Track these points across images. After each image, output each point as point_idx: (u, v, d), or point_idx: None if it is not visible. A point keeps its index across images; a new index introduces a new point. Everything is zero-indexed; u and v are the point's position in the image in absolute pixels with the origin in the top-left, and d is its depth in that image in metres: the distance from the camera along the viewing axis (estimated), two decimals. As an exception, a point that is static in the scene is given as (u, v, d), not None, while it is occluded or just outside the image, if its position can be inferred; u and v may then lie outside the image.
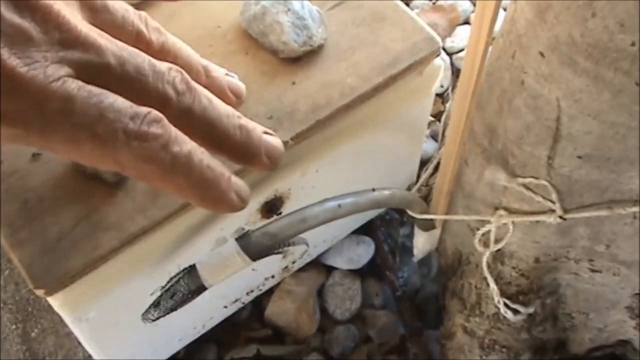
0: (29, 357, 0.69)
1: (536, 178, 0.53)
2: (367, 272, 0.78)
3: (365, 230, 0.79)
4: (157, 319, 0.52)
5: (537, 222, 0.56)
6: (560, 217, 0.53)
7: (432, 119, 0.87)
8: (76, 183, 0.52)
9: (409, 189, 0.75)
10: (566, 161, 0.49)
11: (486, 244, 0.61)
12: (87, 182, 0.52)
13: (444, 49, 0.94)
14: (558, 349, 0.69)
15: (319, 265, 0.78)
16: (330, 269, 0.78)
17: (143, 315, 0.52)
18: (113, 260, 0.50)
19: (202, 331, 0.70)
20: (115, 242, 0.50)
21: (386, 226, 0.80)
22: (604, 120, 0.44)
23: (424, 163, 0.80)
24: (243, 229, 0.53)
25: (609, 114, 0.44)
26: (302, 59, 0.59)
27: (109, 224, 0.51)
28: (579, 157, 0.48)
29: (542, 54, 0.45)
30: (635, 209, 0.50)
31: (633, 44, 0.39)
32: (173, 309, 0.52)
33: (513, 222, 0.57)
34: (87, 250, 0.49)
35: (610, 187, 0.50)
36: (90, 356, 0.68)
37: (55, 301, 0.49)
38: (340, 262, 0.77)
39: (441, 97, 0.89)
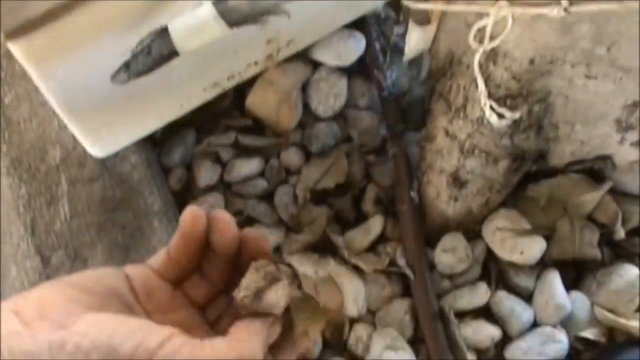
0: (2, 123, 0.67)
1: (544, -38, 0.48)
2: (355, 71, 0.75)
3: (357, 25, 0.74)
4: (128, 80, 0.50)
5: (539, 16, 0.52)
6: (565, 9, 0.49)
7: None
8: None
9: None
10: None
11: (481, 41, 0.58)
12: None
13: None
14: (537, 160, 0.68)
15: (305, 59, 0.74)
16: (316, 64, 0.75)
17: (113, 76, 0.50)
18: (79, 13, 0.47)
19: (181, 112, 0.68)
20: (81, -8, 0.46)
21: (380, 24, 0.76)
22: None
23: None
24: (222, -7, 0.49)
25: None
26: None
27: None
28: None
29: None
30: (646, 2, 0.46)
31: None
32: (143, 71, 0.50)
33: (513, 15, 0.54)
34: (51, -3, 0.46)
35: (622, -23, 0.46)
36: (65, 125, 0.67)
37: (17, 48, 0.47)
38: (327, 57, 0.74)
39: None
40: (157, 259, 0.44)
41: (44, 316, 0.35)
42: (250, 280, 0.40)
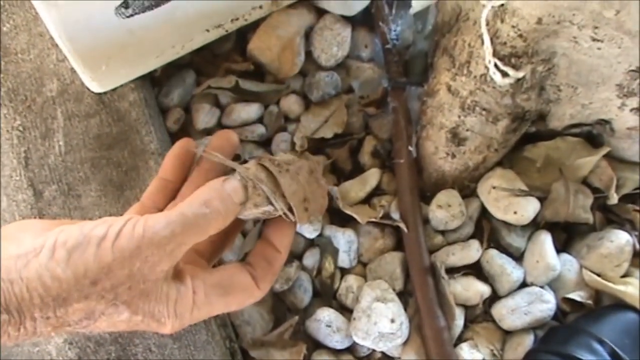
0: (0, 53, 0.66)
1: None
2: (360, 21, 0.74)
3: (364, -25, 0.73)
4: (132, 14, 0.49)
5: (551, -27, 0.51)
6: (578, -33, 0.49)
7: None
8: None
9: None
10: None
11: (490, -4, 0.57)
12: None
13: None
14: (536, 121, 0.68)
15: (310, 6, 0.73)
16: (321, 12, 0.74)
17: (117, 9, 0.49)
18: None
19: (182, 53, 0.67)
20: None
21: (387, -25, 0.74)
22: None
23: None
24: None
25: None
26: None
27: None
28: None
29: None
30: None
31: None
32: (148, 7, 0.49)
33: (525, -29, 0.53)
34: None
35: None
36: (63, 58, 0.66)
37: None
38: (333, 5, 0.73)
39: None
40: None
41: (24, 231, 0.40)
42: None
